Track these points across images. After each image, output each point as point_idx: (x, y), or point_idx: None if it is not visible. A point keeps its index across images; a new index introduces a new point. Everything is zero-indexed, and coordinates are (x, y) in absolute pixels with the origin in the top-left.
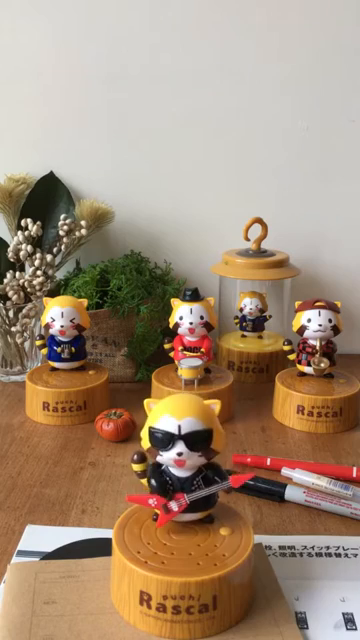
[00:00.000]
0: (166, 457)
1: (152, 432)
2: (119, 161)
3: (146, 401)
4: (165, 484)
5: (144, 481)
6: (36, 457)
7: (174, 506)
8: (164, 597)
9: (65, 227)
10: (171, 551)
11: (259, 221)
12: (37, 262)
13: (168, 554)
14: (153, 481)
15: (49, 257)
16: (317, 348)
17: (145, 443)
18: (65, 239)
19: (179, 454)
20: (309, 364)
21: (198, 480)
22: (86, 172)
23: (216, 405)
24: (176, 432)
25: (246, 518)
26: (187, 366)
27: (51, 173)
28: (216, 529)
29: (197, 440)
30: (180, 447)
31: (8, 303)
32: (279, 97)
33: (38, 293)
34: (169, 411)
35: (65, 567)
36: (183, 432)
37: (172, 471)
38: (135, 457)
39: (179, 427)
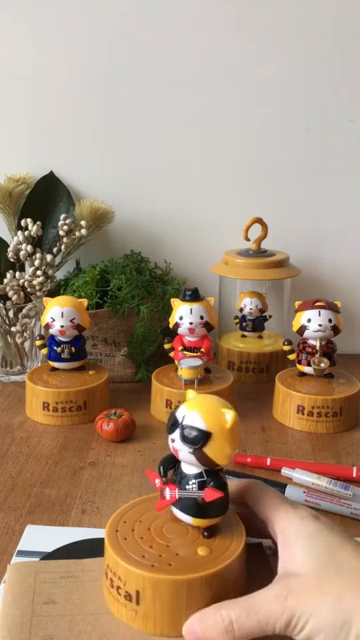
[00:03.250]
0: (169, 439)
1: (170, 413)
2: (119, 161)
3: (188, 391)
4: (167, 471)
5: None
6: (36, 457)
7: (167, 494)
8: (107, 566)
9: (65, 227)
10: (142, 535)
11: (259, 221)
12: (37, 262)
13: (139, 537)
14: (161, 466)
15: (49, 257)
16: (317, 348)
17: None
18: (65, 239)
19: (172, 440)
20: (309, 364)
21: (194, 482)
22: (86, 172)
23: (230, 415)
24: (180, 420)
25: (242, 536)
26: (187, 366)
27: (51, 173)
28: (202, 542)
29: (190, 436)
30: (176, 434)
31: (8, 303)
32: (279, 97)
33: (38, 293)
34: (187, 402)
35: (65, 567)
36: (184, 422)
37: (181, 464)
38: None
39: (183, 417)
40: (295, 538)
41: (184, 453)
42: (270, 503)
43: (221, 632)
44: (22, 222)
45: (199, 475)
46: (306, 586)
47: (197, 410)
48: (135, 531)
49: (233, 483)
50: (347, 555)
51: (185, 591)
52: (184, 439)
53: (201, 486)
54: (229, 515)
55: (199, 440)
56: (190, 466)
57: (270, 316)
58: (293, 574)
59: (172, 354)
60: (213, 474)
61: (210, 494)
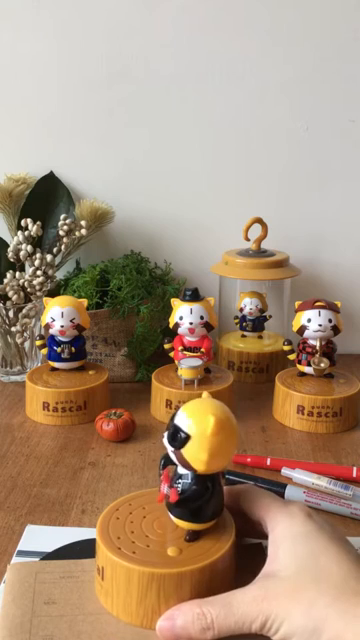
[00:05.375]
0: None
1: None
2: (119, 161)
3: (204, 392)
4: (167, 465)
5: None
6: (36, 457)
7: (161, 488)
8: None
9: (65, 227)
10: (133, 520)
11: (259, 221)
12: (37, 262)
13: (129, 521)
14: (162, 460)
15: (49, 257)
16: (317, 348)
17: None
18: (65, 239)
19: (163, 436)
20: (309, 364)
21: (180, 483)
22: (86, 172)
23: (211, 421)
24: (174, 419)
25: (222, 549)
26: (187, 366)
27: (51, 173)
28: (180, 544)
29: (173, 434)
30: (167, 432)
31: (8, 303)
32: (279, 97)
33: (38, 293)
34: (188, 402)
35: (65, 567)
36: (174, 421)
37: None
38: None
39: (175, 417)
40: (281, 538)
41: (169, 451)
42: (262, 503)
43: (201, 629)
44: (22, 222)
45: (186, 477)
46: (283, 590)
47: (187, 411)
48: (132, 515)
49: (227, 490)
50: (329, 560)
51: (136, 582)
52: (170, 438)
53: (184, 487)
54: (226, 526)
55: (177, 441)
56: (180, 468)
57: (270, 316)
58: (273, 575)
59: (172, 354)
60: (198, 478)
61: (173, 495)
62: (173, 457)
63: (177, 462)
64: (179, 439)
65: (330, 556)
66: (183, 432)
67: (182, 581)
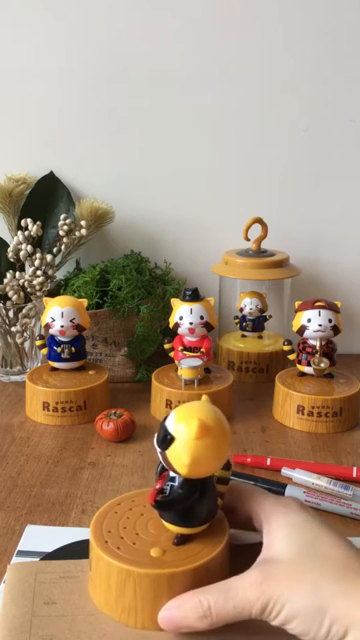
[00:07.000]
0: None
1: None
2: (119, 161)
3: (204, 396)
4: (163, 471)
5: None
6: (36, 457)
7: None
8: None
9: (65, 227)
10: (129, 517)
11: (259, 221)
12: (37, 262)
13: (125, 516)
14: (161, 464)
15: (49, 257)
16: (317, 348)
17: None
18: (65, 239)
19: (154, 435)
20: (309, 364)
21: (168, 486)
22: (86, 172)
23: (194, 425)
24: (165, 420)
25: (208, 555)
26: (187, 366)
27: (51, 173)
28: (167, 546)
29: (160, 435)
30: (157, 433)
31: (8, 303)
32: (279, 97)
33: (38, 293)
34: (182, 405)
35: (65, 567)
36: (164, 422)
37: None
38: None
39: (166, 418)
40: (278, 527)
41: (157, 452)
42: (255, 497)
43: (199, 617)
44: (22, 222)
45: (175, 480)
46: (283, 572)
47: (177, 414)
48: (131, 511)
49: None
50: (326, 546)
51: (115, 577)
52: (157, 437)
53: (171, 490)
54: (218, 533)
55: (162, 441)
56: (170, 473)
57: (270, 316)
58: (272, 560)
59: (172, 354)
60: (186, 483)
61: (150, 495)
62: (160, 458)
63: (163, 463)
64: (165, 440)
65: (328, 541)
66: (169, 434)
67: (158, 583)
